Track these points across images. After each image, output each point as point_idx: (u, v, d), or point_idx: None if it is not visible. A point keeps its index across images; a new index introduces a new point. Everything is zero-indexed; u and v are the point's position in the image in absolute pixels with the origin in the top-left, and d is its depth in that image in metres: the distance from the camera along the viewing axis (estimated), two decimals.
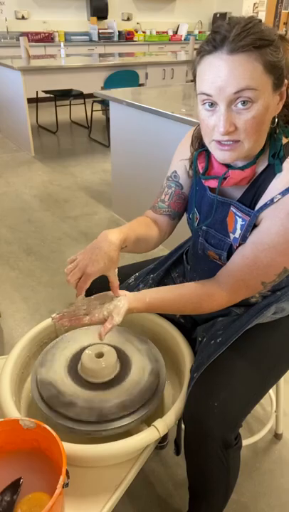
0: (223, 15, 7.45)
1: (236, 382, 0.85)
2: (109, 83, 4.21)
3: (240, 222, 0.83)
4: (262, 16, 7.51)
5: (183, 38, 7.27)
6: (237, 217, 0.83)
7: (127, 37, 6.73)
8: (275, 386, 1.20)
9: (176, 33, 7.43)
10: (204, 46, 0.72)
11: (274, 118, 0.77)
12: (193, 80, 0.77)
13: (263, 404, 1.46)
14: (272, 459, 1.32)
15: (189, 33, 7.28)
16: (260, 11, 7.51)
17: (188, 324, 1.06)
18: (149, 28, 7.10)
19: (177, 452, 1.02)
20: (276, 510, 1.18)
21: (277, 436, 1.38)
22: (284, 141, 0.79)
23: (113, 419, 0.85)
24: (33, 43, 5.77)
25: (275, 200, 0.76)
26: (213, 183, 0.85)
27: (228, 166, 0.82)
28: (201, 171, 0.88)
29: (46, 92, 4.68)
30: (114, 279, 0.86)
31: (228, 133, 0.72)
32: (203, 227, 0.92)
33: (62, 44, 5.68)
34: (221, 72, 0.69)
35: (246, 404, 0.87)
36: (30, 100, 4.09)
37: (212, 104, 0.73)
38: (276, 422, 1.37)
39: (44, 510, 0.63)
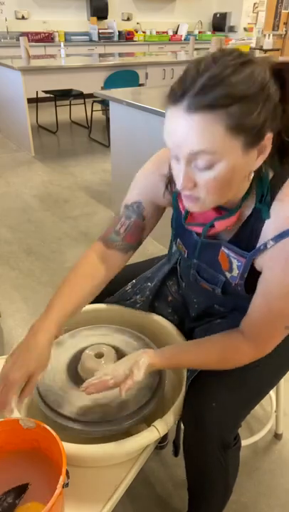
0: (223, 15, 7.46)
1: (235, 382, 0.85)
2: (109, 83, 4.21)
3: (236, 263, 0.78)
4: (262, 16, 7.52)
5: (183, 38, 7.27)
6: (231, 257, 0.78)
7: (127, 37, 6.73)
8: (275, 386, 1.20)
9: (176, 33, 7.43)
10: (170, 92, 0.62)
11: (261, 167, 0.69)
12: None
13: (263, 404, 1.46)
14: (272, 459, 1.32)
15: (189, 33, 7.28)
16: (260, 10, 7.51)
17: (187, 326, 1.05)
18: (149, 28, 7.09)
19: (176, 453, 1.02)
20: (276, 510, 1.18)
21: (277, 437, 1.38)
22: (270, 175, 0.72)
23: (113, 419, 0.85)
24: (33, 43, 5.77)
25: (268, 247, 0.71)
26: (197, 229, 0.80)
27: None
28: (182, 212, 0.82)
29: (46, 92, 4.68)
30: (32, 386, 0.76)
31: (187, 189, 0.67)
32: (194, 260, 0.88)
33: (62, 44, 5.67)
34: (178, 131, 0.61)
35: (245, 405, 0.86)
36: (30, 100, 4.09)
37: (176, 155, 0.66)
38: (276, 422, 1.37)
39: (44, 510, 0.63)
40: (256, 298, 0.77)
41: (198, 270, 0.90)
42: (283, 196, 0.70)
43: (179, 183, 0.67)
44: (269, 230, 0.71)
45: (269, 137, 0.63)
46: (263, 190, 0.71)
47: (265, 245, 0.71)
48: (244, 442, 1.18)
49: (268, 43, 6.59)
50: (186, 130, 0.60)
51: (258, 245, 0.73)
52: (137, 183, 0.91)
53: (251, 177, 0.69)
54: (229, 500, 0.97)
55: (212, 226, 0.76)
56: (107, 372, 0.81)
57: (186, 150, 0.62)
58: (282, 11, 7.76)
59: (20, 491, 0.74)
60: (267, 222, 0.71)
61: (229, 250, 0.79)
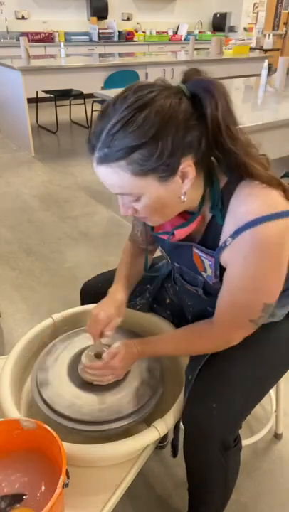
0: (223, 15, 7.46)
1: (235, 383, 0.85)
2: (109, 83, 4.21)
3: (207, 262, 0.82)
4: (262, 16, 7.52)
5: (183, 38, 7.26)
6: (203, 258, 0.82)
7: (127, 37, 6.72)
8: (275, 386, 1.20)
9: (176, 33, 7.42)
10: (87, 144, 0.69)
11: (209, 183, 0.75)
12: None
13: (263, 404, 1.46)
14: (272, 459, 1.32)
15: (189, 33, 7.28)
16: (260, 10, 7.51)
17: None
18: (149, 28, 7.09)
19: (174, 454, 1.02)
20: (276, 510, 1.18)
21: (277, 436, 1.38)
22: (223, 181, 0.75)
23: (113, 419, 0.85)
24: (33, 43, 5.76)
25: (227, 244, 0.74)
26: (164, 237, 0.85)
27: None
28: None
29: (46, 92, 4.68)
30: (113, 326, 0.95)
31: (128, 215, 0.75)
32: (176, 264, 0.93)
33: (62, 44, 5.67)
34: (100, 177, 0.70)
35: (245, 406, 0.86)
36: (30, 100, 4.09)
37: None
38: (276, 422, 1.37)
39: (44, 510, 0.63)
40: (222, 291, 0.80)
41: (180, 274, 0.94)
42: (238, 196, 0.72)
43: (120, 211, 0.75)
44: (228, 227, 0.74)
45: (187, 163, 0.67)
46: (215, 197, 0.75)
47: (225, 243, 0.75)
48: (244, 442, 1.18)
49: (268, 43, 6.59)
50: (102, 177, 0.69)
51: (220, 243, 0.76)
52: None
53: (185, 197, 0.72)
54: (229, 500, 0.97)
55: (173, 234, 0.81)
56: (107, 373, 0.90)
57: (111, 191, 0.70)
58: (282, 11, 7.76)
59: (15, 499, 0.74)
60: (226, 221, 0.74)
61: (200, 251, 0.82)
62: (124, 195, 0.70)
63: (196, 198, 0.76)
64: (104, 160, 0.65)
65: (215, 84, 0.65)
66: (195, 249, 0.83)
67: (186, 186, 0.70)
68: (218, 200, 0.75)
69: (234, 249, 0.74)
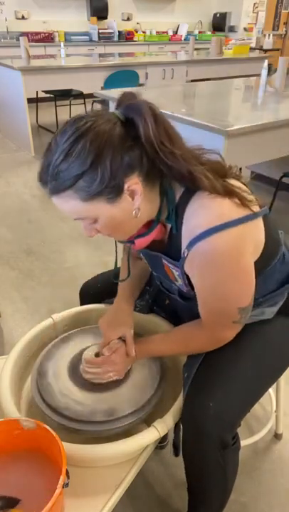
0: (223, 15, 7.46)
1: (232, 382, 0.85)
2: (109, 83, 4.21)
3: (175, 272, 0.85)
4: (262, 16, 7.52)
5: (183, 38, 7.26)
6: (171, 268, 0.85)
7: (127, 37, 6.72)
8: (275, 386, 1.20)
9: (176, 33, 7.43)
10: (39, 179, 0.73)
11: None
12: None
13: (263, 404, 1.46)
14: (272, 459, 1.32)
15: (189, 33, 7.28)
16: (260, 10, 7.51)
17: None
18: (149, 28, 7.09)
19: (176, 453, 1.02)
20: (276, 510, 1.18)
21: (277, 436, 1.38)
22: (180, 192, 0.77)
23: (113, 419, 0.85)
24: (33, 43, 5.76)
25: (185, 255, 0.77)
26: (128, 245, 0.89)
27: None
28: None
29: (46, 92, 4.68)
30: (130, 340, 0.96)
31: (92, 236, 0.79)
32: (154, 273, 0.97)
33: (62, 44, 5.67)
34: (57, 207, 0.73)
35: (243, 405, 0.86)
36: (30, 100, 4.09)
37: None
38: (276, 422, 1.37)
39: (44, 510, 0.63)
40: (198, 301, 0.83)
41: (160, 282, 0.99)
42: (191, 207, 0.75)
43: (85, 234, 0.79)
44: (184, 239, 0.77)
45: (133, 182, 0.70)
46: (169, 208, 0.78)
47: (183, 254, 0.78)
48: (244, 442, 1.18)
49: (268, 43, 6.59)
50: (58, 207, 0.73)
51: (181, 255, 0.79)
52: None
53: (140, 212, 0.75)
54: (229, 500, 0.97)
55: (133, 243, 0.84)
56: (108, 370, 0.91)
57: (71, 217, 0.74)
58: (282, 11, 7.76)
59: (10, 503, 0.74)
60: (183, 233, 0.77)
61: (167, 261, 0.86)
62: (81, 219, 0.74)
63: (155, 209, 0.79)
64: (54, 191, 0.70)
65: (144, 106, 0.69)
66: (164, 260, 0.86)
67: (136, 203, 0.73)
68: (172, 210, 0.78)
69: (190, 262, 0.77)
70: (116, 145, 0.67)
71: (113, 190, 0.69)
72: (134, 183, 0.71)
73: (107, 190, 0.69)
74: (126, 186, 0.70)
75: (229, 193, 0.72)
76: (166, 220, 0.81)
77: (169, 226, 0.82)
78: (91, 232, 0.78)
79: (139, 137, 0.68)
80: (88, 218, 0.74)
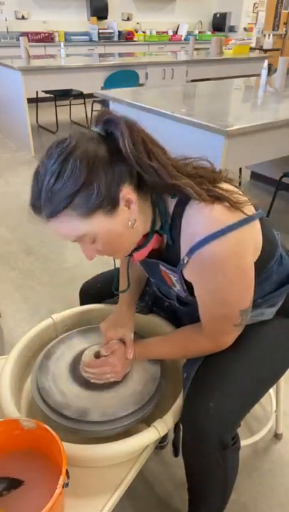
0: (223, 15, 7.46)
1: (232, 382, 0.86)
2: (109, 83, 4.21)
3: (173, 278, 0.86)
4: (262, 16, 7.52)
5: (183, 38, 7.26)
6: (169, 274, 0.86)
7: (127, 37, 6.72)
8: (275, 386, 1.20)
9: (176, 33, 7.42)
10: (32, 208, 0.73)
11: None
12: None
13: (263, 404, 1.46)
14: (272, 459, 1.32)
15: (189, 33, 7.28)
16: (260, 10, 7.51)
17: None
18: (149, 28, 7.09)
19: (175, 453, 1.02)
20: (276, 510, 1.18)
21: (277, 436, 1.38)
22: (172, 203, 0.78)
23: (113, 419, 0.85)
24: (33, 43, 5.76)
25: (185, 262, 0.77)
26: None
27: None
28: None
29: (46, 92, 4.67)
30: (129, 342, 0.96)
31: (92, 259, 0.78)
32: (151, 279, 0.98)
33: (62, 44, 5.67)
34: (54, 231, 0.73)
35: (243, 405, 0.87)
36: (30, 100, 4.09)
37: None
38: (276, 422, 1.37)
39: (44, 510, 0.63)
40: (199, 306, 0.84)
41: (158, 288, 1.01)
42: (186, 216, 0.75)
43: (86, 257, 0.79)
44: (183, 247, 0.77)
45: (126, 191, 0.71)
46: (162, 220, 0.79)
47: (183, 260, 0.78)
48: (244, 442, 1.18)
49: (268, 43, 6.59)
50: (56, 232, 0.73)
51: (180, 261, 0.80)
52: None
53: (136, 222, 0.75)
54: (229, 500, 0.97)
55: (132, 256, 0.84)
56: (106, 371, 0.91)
57: (69, 240, 0.74)
58: (282, 11, 7.76)
59: (13, 484, 0.74)
60: (182, 241, 0.77)
61: (165, 268, 0.86)
62: (80, 240, 0.74)
63: (149, 220, 0.80)
64: (51, 215, 0.69)
65: (121, 122, 0.70)
66: (161, 266, 0.87)
67: (133, 212, 0.74)
68: (166, 220, 0.79)
69: (191, 268, 0.78)
70: (105, 159, 0.68)
71: (111, 202, 0.70)
72: (127, 192, 0.71)
73: (105, 203, 0.69)
74: (121, 195, 0.71)
75: (218, 198, 0.73)
76: (161, 231, 0.82)
77: (165, 235, 0.82)
78: (92, 253, 0.78)
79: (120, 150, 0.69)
80: (87, 237, 0.73)
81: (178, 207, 0.77)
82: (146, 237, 0.82)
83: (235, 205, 0.73)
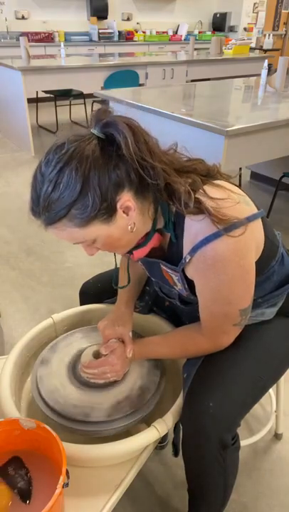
0: (223, 15, 7.46)
1: (232, 382, 0.86)
2: (109, 83, 4.21)
3: (175, 277, 0.86)
4: (262, 16, 7.52)
5: (183, 38, 7.26)
6: (170, 273, 0.86)
7: (127, 37, 6.73)
8: (275, 386, 1.20)
9: (176, 33, 7.42)
10: (31, 212, 0.73)
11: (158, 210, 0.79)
12: None
13: (263, 404, 1.46)
14: (272, 458, 1.32)
15: (189, 33, 7.28)
16: (260, 10, 7.51)
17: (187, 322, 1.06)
18: (149, 28, 7.09)
19: (175, 453, 1.02)
20: (276, 510, 1.18)
21: (277, 436, 1.38)
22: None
23: (113, 419, 0.85)
24: (33, 43, 5.77)
25: (187, 260, 0.78)
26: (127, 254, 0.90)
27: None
28: None
29: (46, 92, 4.68)
30: (128, 341, 0.96)
31: (93, 255, 0.80)
32: (152, 278, 0.98)
33: (62, 44, 5.65)
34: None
35: (243, 405, 0.86)
36: (30, 100, 4.09)
37: None
38: (276, 422, 1.37)
39: (44, 510, 0.63)
40: (199, 304, 0.84)
41: (159, 287, 1.00)
42: (190, 215, 0.75)
43: (87, 254, 0.80)
44: (186, 245, 0.78)
45: (124, 199, 0.71)
46: (165, 219, 0.80)
47: (185, 259, 0.79)
48: (244, 442, 1.18)
49: (268, 43, 6.59)
50: (56, 236, 0.74)
51: (182, 260, 0.80)
52: None
53: (134, 227, 0.76)
54: (229, 500, 0.97)
55: (132, 254, 0.85)
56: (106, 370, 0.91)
57: (70, 243, 0.75)
58: (282, 11, 7.76)
59: (24, 495, 0.75)
60: (184, 239, 0.78)
61: (166, 267, 0.86)
62: (80, 243, 0.76)
63: (149, 221, 0.80)
64: (49, 223, 0.70)
65: (121, 123, 0.69)
66: (162, 266, 0.87)
67: (132, 218, 0.74)
68: (169, 219, 0.79)
69: (194, 267, 0.78)
70: (101, 166, 0.67)
71: (107, 211, 0.70)
72: (125, 200, 0.71)
73: (101, 213, 0.69)
74: (118, 205, 0.71)
75: (202, 213, 0.73)
76: (164, 229, 0.82)
77: (168, 234, 0.83)
78: (92, 251, 0.80)
79: (122, 153, 0.68)
80: (87, 241, 0.75)
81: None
82: (147, 236, 0.82)
83: (220, 222, 0.71)
